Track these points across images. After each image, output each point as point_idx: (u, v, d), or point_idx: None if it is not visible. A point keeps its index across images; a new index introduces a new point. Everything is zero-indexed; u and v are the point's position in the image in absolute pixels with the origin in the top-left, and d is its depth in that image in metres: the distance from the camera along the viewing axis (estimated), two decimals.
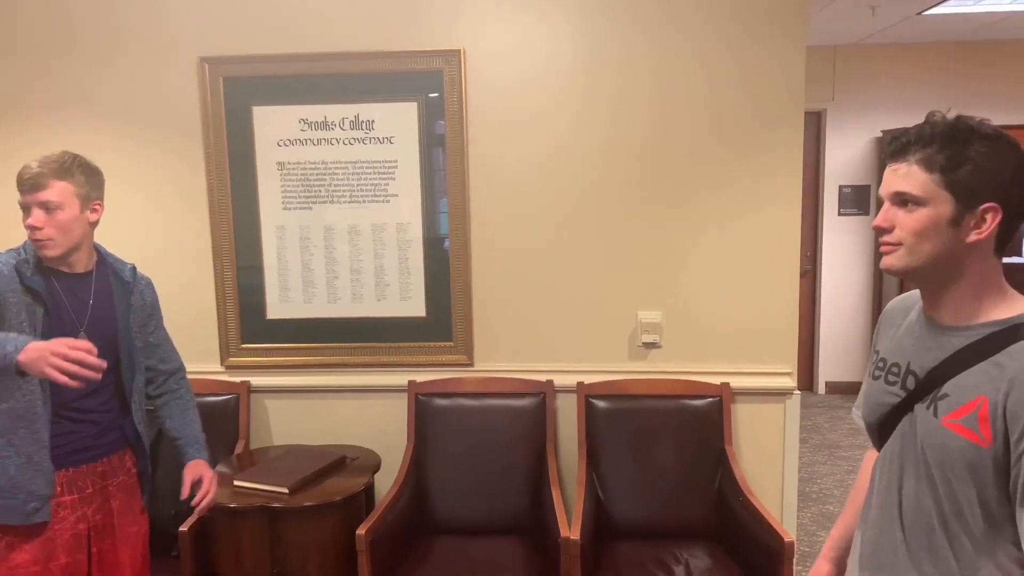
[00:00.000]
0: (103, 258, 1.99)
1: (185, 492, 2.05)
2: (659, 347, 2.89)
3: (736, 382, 2.81)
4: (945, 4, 4.03)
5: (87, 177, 1.87)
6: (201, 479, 2.07)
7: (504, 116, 2.80)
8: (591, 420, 2.84)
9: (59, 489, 1.88)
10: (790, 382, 2.81)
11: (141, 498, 2.06)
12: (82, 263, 1.92)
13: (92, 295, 1.92)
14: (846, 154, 5.43)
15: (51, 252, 1.83)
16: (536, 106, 2.79)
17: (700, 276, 2.83)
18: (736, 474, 2.67)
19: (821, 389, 5.66)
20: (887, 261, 1.19)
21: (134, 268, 2.04)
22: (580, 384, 2.86)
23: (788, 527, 2.80)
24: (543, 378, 2.89)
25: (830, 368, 5.64)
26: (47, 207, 1.80)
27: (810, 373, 5.68)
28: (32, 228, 1.80)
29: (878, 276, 5.47)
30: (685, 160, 2.78)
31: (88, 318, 1.90)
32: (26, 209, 1.81)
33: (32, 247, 1.85)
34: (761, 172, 2.76)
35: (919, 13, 4.25)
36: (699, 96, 2.74)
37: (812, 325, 5.61)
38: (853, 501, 1.45)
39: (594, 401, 2.85)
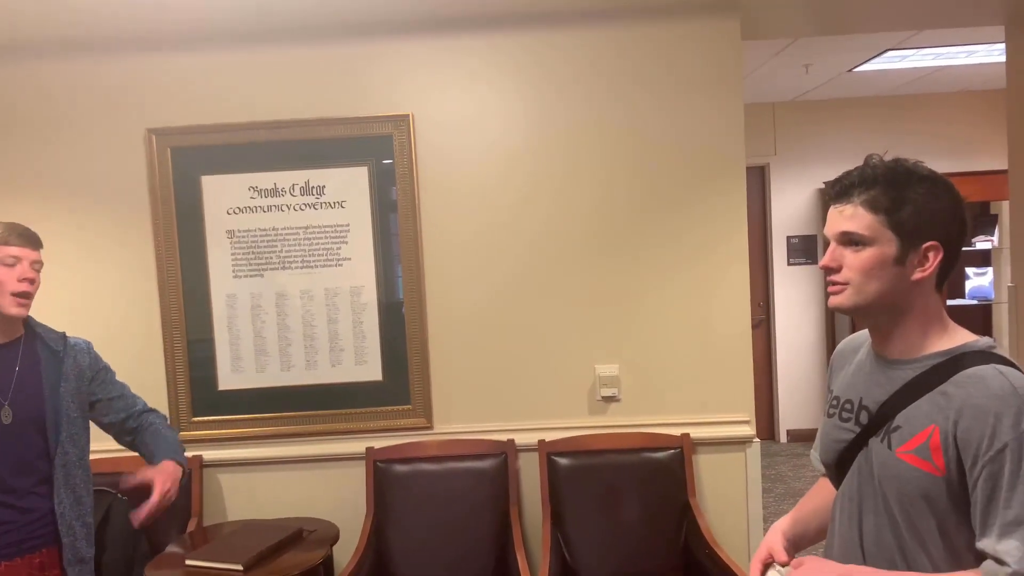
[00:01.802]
0: (31, 328, 1.92)
1: (156, 494, 1.85)
2: (618, 400, 2.89)
3: (696, 432, 2.82)
4: (874, 60, 4.24)
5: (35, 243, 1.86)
6: (163, 469, 1.90)
7: (455, 179, 2.84)
8: (554, 478, 2.81)
9: None
10: (749, 430, 2.82)
11: None
12: (9, 333, 1.86)
13: (19, 364, 1.85)
14: (791, 206, 5.59)
15: (25, 312, 1.82)
16: (487, 168, 2.84)
17: (654, 328, 2.86)
18: (701, 526, 2.64)
19: (783, 438, 5.69)
20: (835, 300, 1.22)
21: (64, 336, 1.96)
22: (542, 442, 2.84)
23: None
24: (504, 437, 2.86)
25: (790, 416, 5.69)
26: (38, 266, 1.83)
27: (771, 422, 5.71)
28: (28, 282, 1.81)
29: (830, 322, 5.59)
30: (633, 217, 2.84)
31: (12, 390, 1.83)
32: (8, 265, 1.79)
33: None
34: (707, 225, 2.83)
35: (850, 70, 4.47)
36: (645, 156, 2.82)
37: (769, 374, 5.67)
38: (805, 504, 1.42)
39: (556, 458, 2.82)
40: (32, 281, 1.82)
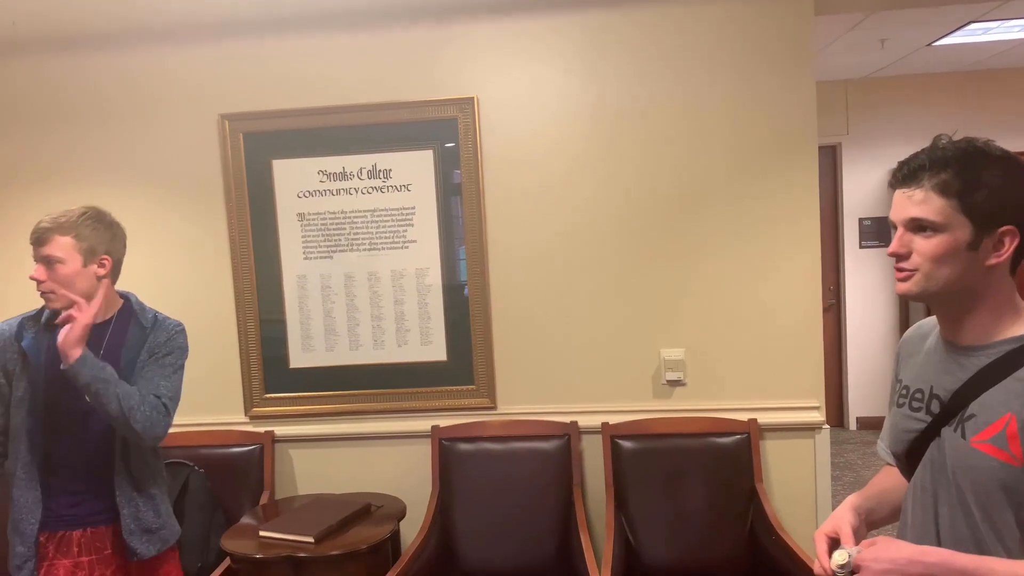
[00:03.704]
0: (129, 307, 1.99)
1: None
2: (684, 384, 2.86)
3: (763, 418, 2.77)
4: (954, 34, 4.05)
5: (94, 231, 1.87)
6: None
7: (519, 160, 2.84)
8: (617, 461, 2.80)
9: (77, 548, 1.88)
10: (818, 416, 2.76)
11: (137, 551, 1.93)
12: (105, 312, 1.93)
13: (104, 345, 1.93)
14: (864, 186, 5.40)
15: (53, 304, 1.86)
16: (552, 149, 2.83)
17: (722, 312, 2.82)
18: (767, 512, 2.60)
19: (852, 425, 5.54)
20: (903, 287, 1.18)
21: (155, 315, 2.02)
22: (605, 425, 2.83)
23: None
24: (567, 419, 2.86)
25: (860, 403, 5.53)
26: (47, 261, 1.83)
27: (840, 409, 5.57)
28: (35, 281, 1.84)
29: (903, 307, 5.40)
30: (701, 198, 2.79)
31: None
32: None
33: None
34: (778, 206, 2.76)
35: (929, 44, 4.27)
36: (715, 137, 2.77)
37: (839, 360, 5.52)
38: (876, 483, 1.37)
39: (620, 442, 2.81)
40: (37, 280, 1.84)
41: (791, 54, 2.72)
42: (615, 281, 2.85)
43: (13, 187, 3.02)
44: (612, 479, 2.79)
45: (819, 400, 2.78)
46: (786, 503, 2.76)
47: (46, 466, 1.87)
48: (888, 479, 1.36)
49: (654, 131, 2.79)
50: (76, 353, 1.75)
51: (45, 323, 1.89)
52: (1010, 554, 1.10)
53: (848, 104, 5.37)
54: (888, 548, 1.11)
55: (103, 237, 1.90)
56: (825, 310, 5.40)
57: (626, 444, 2.81)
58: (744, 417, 2.78)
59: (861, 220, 5.42)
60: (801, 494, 2.79)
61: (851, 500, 1.28)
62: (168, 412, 1.91)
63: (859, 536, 1.24)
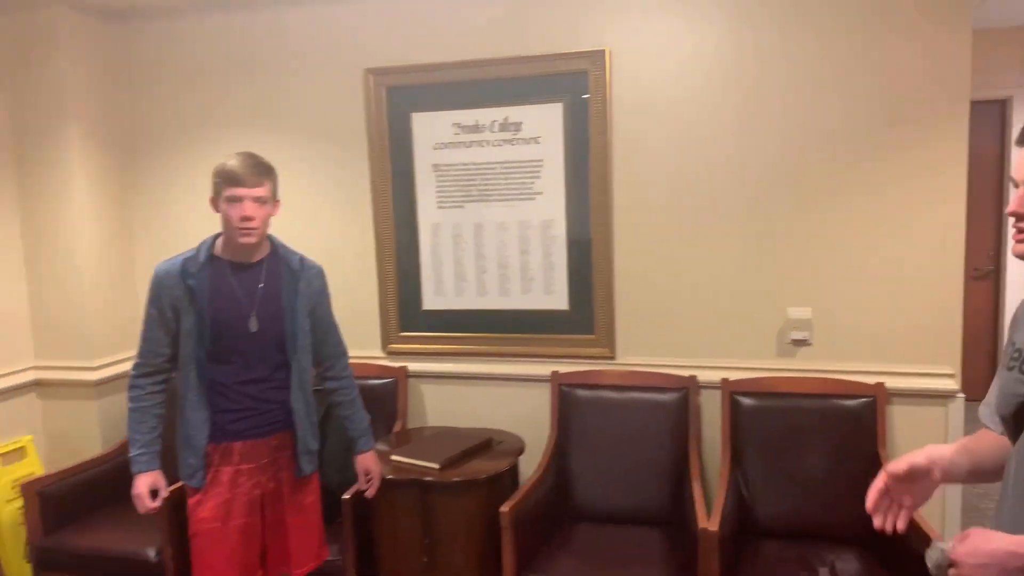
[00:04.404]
0: (275, 248, 2.23)
1: (361, 483, 2.39)
2: (809, 345, 2.81)
3: (892, 382, 2.68)
4: None
5: (274, 177, 2.13)
6: (369, 471, 2.37)
7: (649, 114, 2.85)
8: (736, 417, 2.81)
9: (237, 458, 2.15)
10: (952, 384, 2.64)
11: (295, 473, 2.25)
12: (258, 253, 2.18)
13: (263, 280, 2.17)
14: None
15: (253, 240, 2.08)
16: (683, 103, 2.82)
17: (854, 273, 2.73)
18: None
19: None
20: (1021, 248, 1.14)
21: (302, 258, 2.26)
22: (725, 380, 2.84)
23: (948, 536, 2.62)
24: (686, 373, 2.89)
25: None
26: (260, 200, 2.05)
27: (989, 382, 5.20)
28: (247, 219, 2.03)
29: None
30: (833, 154, 2.69)
31: (258, 301, 2.15)
32: (234, 201, 2.03)
33: (208, 245, 2.13)
34: (921, 167, 2.62)
35: None
36: (853, 92, 2.65)
37: (994, 331, 5.13)
38: (969, 442, 1.35)
39: (739, 398, 2.82)
40: (250, 218, 2.04)
41: (944, 4, 2.54)
42: (742, 237, 2.82)
43: (199, 131, 3.36)
44: (729, 434, 2.81)
45: (954, 368, 2.65)
46: None
47: (212, 388, 2.13)
48: (979, 440, 1.33)
49: (791, 84, 2.71)
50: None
51: (205, 261, 2.11)
52: None
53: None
54: (985, 541, 1.10)
55: (278, 183, 2.15)
56: (980, 277, 5.03)
57: (745, 401, 2.81)
58: (871, 380, 2.70)
59: None
60: None
61: (930, 447, 1.27)
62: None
63: (916, 477, 1.23)
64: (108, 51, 3.34)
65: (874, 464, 2.63)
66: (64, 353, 3.30)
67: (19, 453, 3.24)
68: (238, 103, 3.28)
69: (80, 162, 3.21)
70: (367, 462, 2.38)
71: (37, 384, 3.33)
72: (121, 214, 3.43)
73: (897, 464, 1.28)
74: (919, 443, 2.66)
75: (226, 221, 2.06)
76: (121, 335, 3.41)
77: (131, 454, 2.13)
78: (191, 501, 2.13)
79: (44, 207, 3.24)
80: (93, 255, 3.28)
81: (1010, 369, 1.24)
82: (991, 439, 1.32)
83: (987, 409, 1.34)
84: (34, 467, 3.27)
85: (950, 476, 1.30)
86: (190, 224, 3.37)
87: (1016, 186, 1.15)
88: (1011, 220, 1.16)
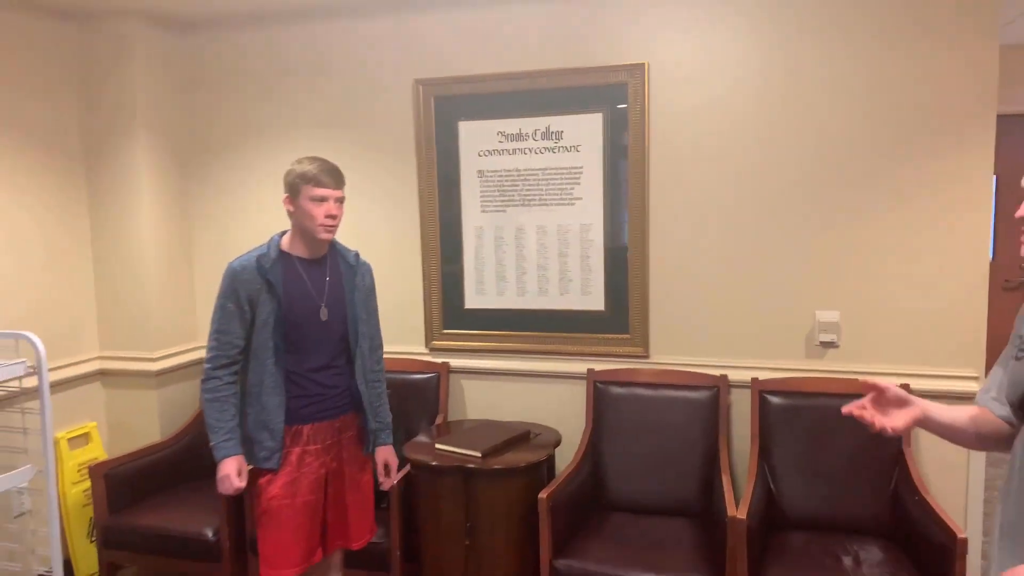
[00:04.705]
0: (333, 246, 2.42)
1: (380, 474, 2.53)
2: (836, 347, 2.92)
3: (916, 384, 2.78)
4: None
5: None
6: (388, 463, 2.53)
7: (685, 125, 2.99)
8: (764, 415, 2.93)
9: (305, 439, 2.31)
10: (976, 386, 2.74)
11: (363, 450, 2.47)
12: (321, 250, 2.36)
13: (329, 274, 2.36)
14: None
15: (333, 236, 2.31)
16: (716, 114, 2.96)
17: (881, 277, 2.85)
18: (913, 475, 2.65)
19: None
20: None
21: (357, 254, 2.46)
22: (755, 380, 2.97)
23: (972, 535, 2.72)
24: (717, 372, 3.02)
25: None
26: (340, 201, 2.29)
27: None
28: (331, 217, 2.25)
29: None
30: (864, 162, 2.82)
31: (327, 292, 2.33)
32: (320, 201, 2.23)
33: (276, 242, 2.31)
34: (949, 176, 2.74)
35: None
36: (884, 102, 2.78)
37: None
38: (951, 411, 1.50)
39: (768, 396, 2.94)
40: (335, 216, 2.27)
41: (973, 19, 2.66)
42: (772, 243, 2.95)
43: (256, 139, 3.57)
44: (758, 431, 2.93)
45: (978, 371, 2.75)
46: (936, 470, 2.78)
47: (287, 375, 2.30)
48: (962, 408, 1.47)
49: (821, 95, 2.84)
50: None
51: (276, 257, 2.29)
52: None
53: None
54: None
55: None
56: (1011, 288, 5.08)
57: (774, 399, 2.93)
58: (897, 381, 2.79)
59: None
60: (953, 463, 2.79)
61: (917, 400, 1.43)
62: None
63: (888, 400, 1.42)
64: (174, 62, 3.57)
65: (897, 460, 2.74)
66: (127, 344, 3.51)
67: (84, 439, 3.44)
68: (294, 111, 3.48)
69: (146, 167, 3.43)
70: (386, 454, 2.53)
71: (101, 374, 3.55)
72: (180, 217, 3.64)
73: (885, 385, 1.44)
74: (943, 442, 2.78)
75: (308, 219, 2.24)
76: (179, 329, 3.62)
77: (215, 441, 2.26)
78: (261, 481, 2.29)
79: (112, 208, 3.46)
80: (155, 254, 3.49)
81: (1018, 359, 1.37)
82: (968, 413, 1.48)
83: (986, 395, 1.47)
84: (97, 452, 3.47)
85: (928, 417, 1.46)
86: (244, 224, 3.57)
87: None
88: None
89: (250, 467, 2.31)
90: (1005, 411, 1.43)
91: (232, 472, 2.25)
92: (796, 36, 2.84)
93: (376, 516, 2.59)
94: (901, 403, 1.45)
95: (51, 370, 3.11)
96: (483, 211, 3.27)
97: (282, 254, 2.30)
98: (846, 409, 1.47)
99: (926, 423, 1.46)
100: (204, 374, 2.28)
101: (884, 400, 1.45)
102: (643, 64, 2.99)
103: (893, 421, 1.41)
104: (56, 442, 3.26)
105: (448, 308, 3.35)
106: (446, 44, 3.23)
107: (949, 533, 2.28)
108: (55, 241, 3.35)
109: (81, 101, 3.44)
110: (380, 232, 3.40)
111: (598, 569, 2.55)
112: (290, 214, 2.29)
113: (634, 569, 2.52)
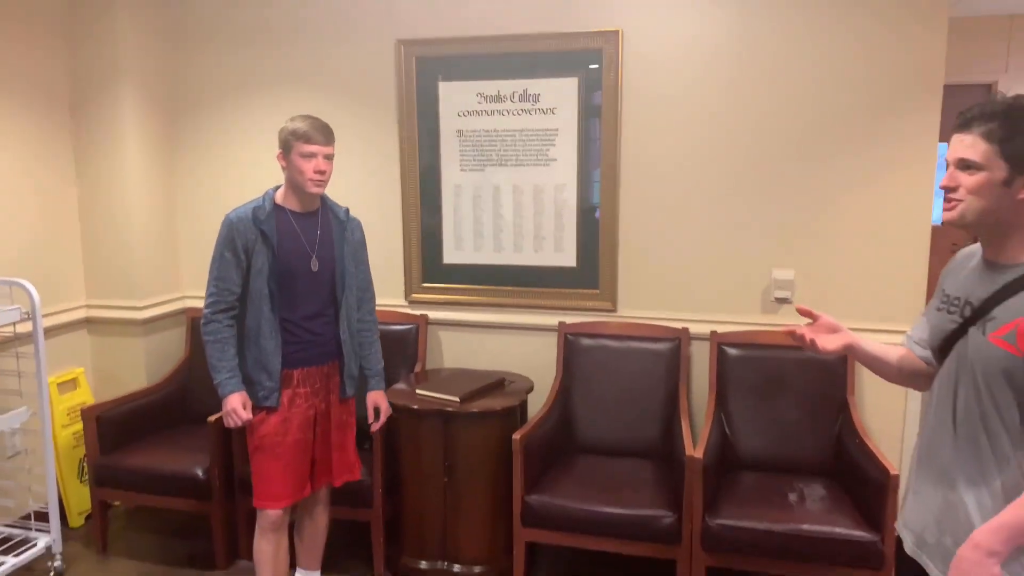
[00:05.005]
0: (324, 201, 2.55)
1: (371, 417, 2.69)
2: (790, 303, 3.14)
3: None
4: None
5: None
6: (378, 407, 2.68)
7: (655, 93, 3.15)
8: (722, 365, 3.16)
9: (295, 382, 2.47)
10: None
11: (341, 394, 2.60)
12: (313, 204, 2.49)
13: (320, 227, 2.49)
14: None
15: (323, 190, 2.45)
16: (683, 84, 3.12)
17: (833, 237, 3.06)
18: (855, 421, 2.90)
19: None
20: (948, 215, 1.46)
21: (347, 210, 2.60)
22: (714, 333, 3.18)
23: (904, 472, 2.98)
24: (679, 326, 3.23)
25: None
26: (329, 157, 2.42)
27: None
28: (320, 172, 2.38)
29: None
30: (820, 128, 3.01)
31: (317, 245, 2.47)
32: (310, 156, 2.36)
33: (271, 196, 2.44)
34: (896, 140, 2.94)
35: None
36: (837, 68, 2.96)
37: None
38: (880, 347, 1.72)
39: (726, 348, 3.16)
40: (323, 171, 2.40)
41: None
42: (733, 205, 3.14)
43: (240, 93, 3.64)
44: (716, 379, 3.15)
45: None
46: (876, 415, 3.04)
47: (281, 321, 2.45)
48: (890, 347, 1.69)
49: (782, 63, 3.01)
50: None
51: (271, 209, 2.43)
52: (1004, 426, 1.40)
53: (1011, 40, 5.16)
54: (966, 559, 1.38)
55: None
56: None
57: (731, 351, 3.15)
58: None
59: None
60: (891, 409, 3.05)
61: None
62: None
63: (822, 327, 1.69)
64: (160, 11, 3.61)
65: (841, 408, 2.99)
66: (113, 293, 3.61)
67: (72, 384, 3.56)
68: (278, 66, 3.55)
69: (131, 115, 3.49)
70: (377, 398, 2.70)
71: (87, 321, 3.65)
72: (166, 167, 3.72)
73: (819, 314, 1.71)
74: (883, 391, 3.05)
75: (298, 173, 2.37)
76: (164, 279, 3.73)
77: (219, 379, 2.42)
78: (256, 420, 2.45)
79: (97, 156, 3.53)
80: (140, 204, 3.57)
81: (939, 310, 1.57)
82: (895, 351, 1.72)
83: (910, 339, 1.69)
84: (85, 397, 3.60)
85: (856, 346, 1.69)
86: (227, 177, 3.66)
87: (948, 166, 1.46)
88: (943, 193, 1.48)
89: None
90: (926, 354, 1.64)
91: (238, 406, 2.41)
92: (759, 8, 3.00)
93: (360, 456, 2.77)
94: (833, 330, 1.69)
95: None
96: (461, 170, 3.40)
97: (276, 207, 2.43)
98: (785, 329, 1.73)
99: (854, 350, 1.69)
100: (204, 318, 2.43)
101: (819, 327, 1.70)
102: (617, 31, 3.12)
103: (825, 343, 1.65)
104: None
105: (427, 262, 3.51)
106: (429, 6, 3.33)
107: (883, 470, 2.52)
108: (42, 189, 3.42)
109: (67, 49, 3.48)
110: (361, 189, 3.52)
111: (566, 503, 2.77)
112: (283, 169, 2.41)
113: (599, 503, 2.74)
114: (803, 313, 1.71)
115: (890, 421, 3.06)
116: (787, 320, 3.14)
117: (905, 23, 2.87)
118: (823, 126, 3.01)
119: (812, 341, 1.65)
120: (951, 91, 3.09)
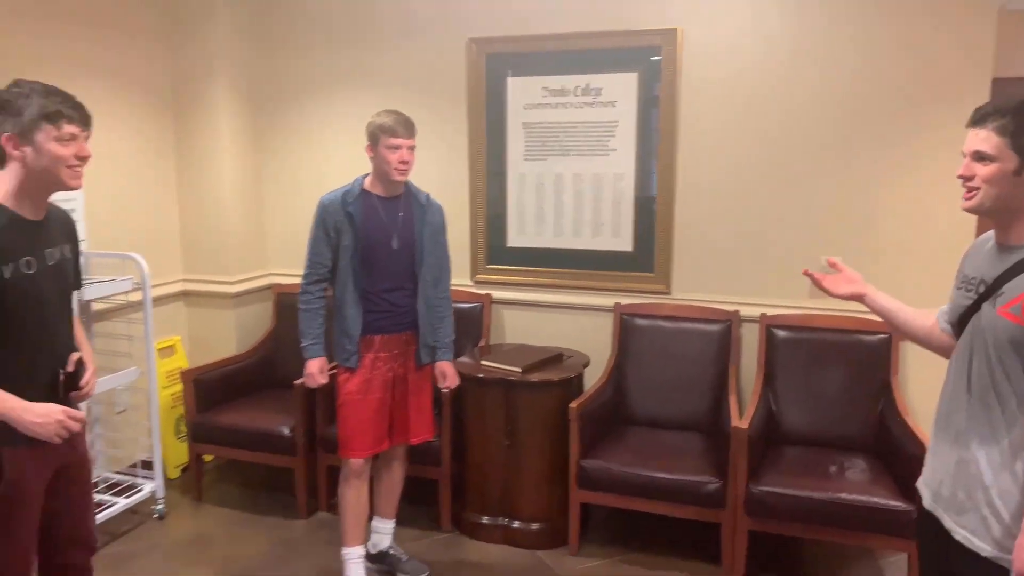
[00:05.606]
0: (408, 187, 2.82)
1: (440, 382, 2.91)
2: None
3: None
4: None
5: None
6: (446, 374, 2.90)
7: (711, 88, 3.33)
8: (770, 345, 3.33)
9: (376, 347, 2.74)
10: None
11: (417, 362, 2.86)
12: (397, 190, 2.76)
13: (402, 210, 2.77)
14: None
15: (406, 178, 2.70)
16: (738, 80, 3.29)
17: (880, 225, 3.20)
18: (898, 401, 3.04)
19: None
20: (966, 204, 1.63)
21: (428, 196, 2.85)
22: (763, 315, 3.35)
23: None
24: (730, 308, 3.41)
25: None
26: (412, 149, 2.66)
27: None
28: (404, 162, 2.64)
29: None
30: (868, 117, 3.15)
31: (399, 227, 2.75)
32: (395, 148, 2.61)
33: (360, 183, 2.72)
34: (944, 129, 3.05)
35: None
36: (886, 59, 3.10)
37: None
38: (900, 305, 1.94)
39: (775, 330, 3.33)
40: (407, 161, 2.66)
41: None
42: (784, 194, 3.31)
43: (320, 89, 3.96)
44: (764, 360, 3.33)
45: None
46: (919, 396, 3.17)
47: (363, 293, 2.73)
48: (917, 311, 1.87)
49: (833, 56, 3.16)
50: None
51: (359, 193, 2.71)
52: (1013, 388, 1.56)
53: None
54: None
55: None
56: None
57: (780, 333, 3.32)
58: None
59: None
60: (934, 389, 3.12)
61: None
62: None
63: (841, 277, 1.97)
64: (254, 19, 3.95)
65: (884, 389, 3.13)
66: (207, 269, 3.98)
67: (170, 350, 3.94)
68: (355, 64, 3.85)
69: (225, 109, 3.85)
70: (444, 367, 2.92)
71: (184, 294, 4.03)
72: (254, 156, 4.07)
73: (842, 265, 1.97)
74: (926, 372, 3.19)
75: (384, 163, 2.64)
76: (252, 256, 4.08)
77: (304, 343, 2.74)
78: (341, 378, 2.75)
79: (194, 146, 3.90)
80: (231, 190, 3.92)
81: (958, 289, 1.75)
82: (930, 323, 1.92)
83: (942, 317, 1.86)
84: (181, 362, 3.97)
85: (871, 298, 1.95)
86: (308, 166, 3.99)
87: (964, 157, 1.63)
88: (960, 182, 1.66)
89: (333, 367, 2.76)
90: (947, 327, 1.82)
91: (315, 371, 2.72)
92: (818, 6, 3.15)
93: (432, 421, 3.04)
94: (851, 281, 1.95)
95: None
96: (526, 159, 3.64)
97: (364, 192, 2.71)
98: (806, 271, 2.00)
99: (868, 302, 1.93)
100: (300, 288, 2.74)
101: (839, 277, 1.98)
102: (676, 29, 3.31)
103: (835, 287, 1.93)
104: None
105: (492, 246, 3.76)
106: (499, 6, 3.57)
107: (922, 446, 2.67)
108: (148, 175, 3.80)
109: (170, 55, 3.85)
110: (432, 178, 3.75)
111: (618, 468, 3.00)
112: (371, 159, 2.69)
113: (649, 468, 2.96)
114: (831, 265, 1.98)
115: (933, 401, 3.16)
116: (833, 305, 3.28)
117: (954, 15, 3.00)
118: (871, 115, 3.15)
119: (821, 280, 1.93)
120: (1001, 84, 3.18)
